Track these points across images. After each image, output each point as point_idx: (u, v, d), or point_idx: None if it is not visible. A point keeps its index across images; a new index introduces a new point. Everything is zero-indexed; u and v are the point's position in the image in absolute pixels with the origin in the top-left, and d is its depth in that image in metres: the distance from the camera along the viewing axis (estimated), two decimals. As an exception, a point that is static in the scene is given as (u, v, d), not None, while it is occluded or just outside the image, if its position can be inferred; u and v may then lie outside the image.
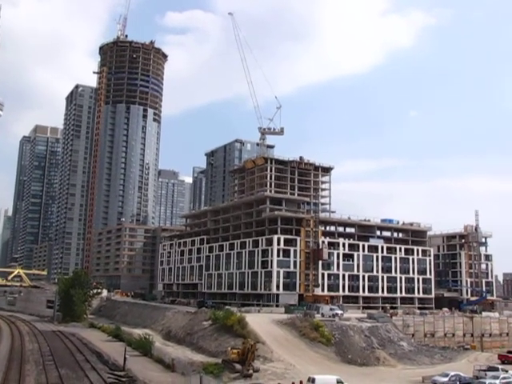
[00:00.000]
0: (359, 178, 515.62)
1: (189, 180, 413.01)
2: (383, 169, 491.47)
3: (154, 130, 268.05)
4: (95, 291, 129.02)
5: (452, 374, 61.03)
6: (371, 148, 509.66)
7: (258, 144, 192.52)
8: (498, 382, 57.99)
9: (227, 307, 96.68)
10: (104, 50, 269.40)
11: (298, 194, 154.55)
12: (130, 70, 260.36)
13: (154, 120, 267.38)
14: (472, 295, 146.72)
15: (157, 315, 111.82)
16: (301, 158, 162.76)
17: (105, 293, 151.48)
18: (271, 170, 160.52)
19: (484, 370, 65.51)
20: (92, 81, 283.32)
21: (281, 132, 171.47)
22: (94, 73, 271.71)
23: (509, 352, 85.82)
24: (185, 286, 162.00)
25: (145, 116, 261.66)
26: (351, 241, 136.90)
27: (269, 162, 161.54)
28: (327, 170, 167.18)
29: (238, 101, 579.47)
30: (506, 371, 65.87)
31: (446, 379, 59.55)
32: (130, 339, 76.22)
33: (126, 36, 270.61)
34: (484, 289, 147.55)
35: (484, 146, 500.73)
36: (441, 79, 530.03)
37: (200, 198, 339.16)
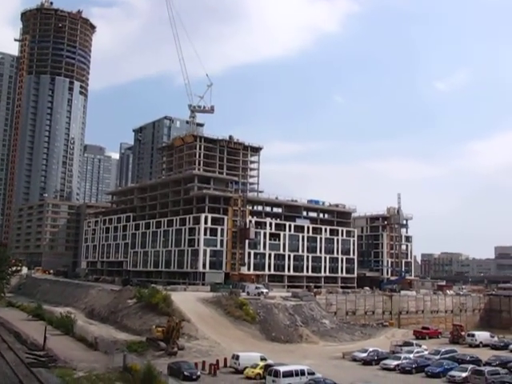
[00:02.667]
0: (287, 159, 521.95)
1: (116, 156, 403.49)
2: (310, 151, 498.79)
3: (81, 103, 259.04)
4: (14, 269, 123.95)
5: (371, 349, 63.54)
6: (299, 130, 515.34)
7: (187, 122, 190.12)
8: (412, 356, 61.03)
9: (153, 285, 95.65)
10: (26, 17, 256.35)
11: (227, 174, 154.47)
12: (55, 40, 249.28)
13: (81, 93, 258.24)
14: (392, 275, 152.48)
15: (80, 293, 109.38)
16: (230, 137, 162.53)
17: (25, 270, 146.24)
18: (200, 149, 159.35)
19: (400, 346, 68.72)
20: (13, 49, 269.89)
21: (211, 110, 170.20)
22: (16, 40, 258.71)
23: (423, 328, 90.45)
24: (109, 264, 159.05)
25: (71, 89, 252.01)
26: (278, 221, 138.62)
27: (198, 140, 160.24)
28: (256, 150, 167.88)
29: (168, 78, 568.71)
30: (420, 346, 69.62)
31: (364, 354, 61.90)
32: (51, 318, 74.02)
33: (51, 3, 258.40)
34: (403, 269, 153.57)
35: (403, 131, 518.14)
36: (363, 65, 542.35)
37: (127, 174, 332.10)
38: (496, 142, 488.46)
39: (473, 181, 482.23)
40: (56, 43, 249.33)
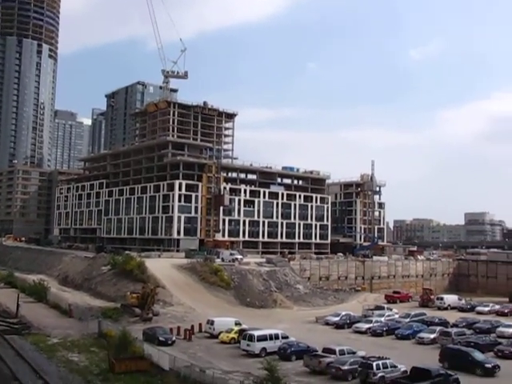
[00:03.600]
0: (262, 126, 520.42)
1: (88, 122, 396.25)
2: (286, 118, 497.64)
3: (50, 67, 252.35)
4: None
5: (343, 313, 64.71)
6: (274, 97, 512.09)
7: (161, 87, 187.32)
8: (383, 319, 62.40)
9: (127, 252, 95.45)
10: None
11: (201, 140, 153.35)
12: (21, 0, 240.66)
13: (50, 57, 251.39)
14: (365, 241, 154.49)
15: (53, 260, 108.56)
16: (205, 103, 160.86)
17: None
18: (174, 115, 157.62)
19: (371, 310, 70.14)
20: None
21: (185, 76, 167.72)
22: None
23: (394, 292, 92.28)
24: (83, 231, 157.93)
25: (39, 52, 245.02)
26: (252, 187, 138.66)
27: (172, 106, 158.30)
28: (231, 117, 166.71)
29: (140, 42, 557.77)
30: (391, 309, 71.15)
31: (337, 318, 63.02)
32: (24, 285, 73.62)
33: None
34: (376, 235, 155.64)
35: (378, 99, 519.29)
36: (338, 32, 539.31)
37: (99, 141, 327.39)
38: (466, 111, 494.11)
39: (444, 149, 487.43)
40: (22, 3, 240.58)
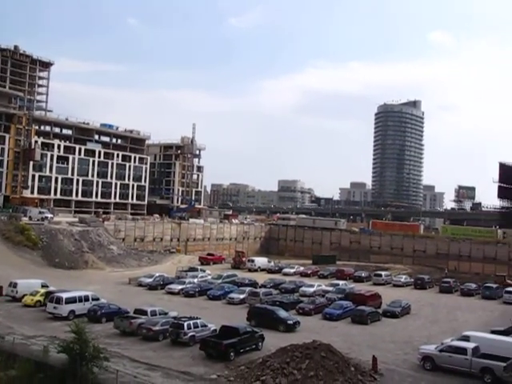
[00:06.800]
0: (82, 80, 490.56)
1: None
2: (106, 74, 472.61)
3: None
4: None
5: (157, 275, 64.83)
6: (91, 50, 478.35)
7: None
8: (196, 280, 63.81)
9: None
10: None
11: (10, 88, 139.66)
12: None
13: None
14: (182, 203, 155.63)
15: None
16: (16, 47, 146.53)
17: None
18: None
19: (185, 271, 71.27)
20: None
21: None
22: None
23: (208, 254, 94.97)
24: None
25: None
26: (67, 143, 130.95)
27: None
28: (46, 65, 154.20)
29: None
30: (204, 271, 73.08)
31: (150, 280, 62.93)
32: None
33: None
34: (193, 198, 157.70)
35: (199, 64, 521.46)
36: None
37: None
38: (282, 82, 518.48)
39: (262, 118, 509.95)
40: None
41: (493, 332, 39.66)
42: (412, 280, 76.07)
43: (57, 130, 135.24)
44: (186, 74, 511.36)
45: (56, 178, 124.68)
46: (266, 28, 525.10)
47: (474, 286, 70.44)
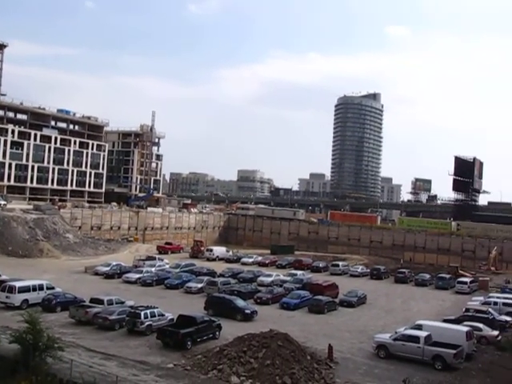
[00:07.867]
0: (38, 64, 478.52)
1: None
2: (60, 57, 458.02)
3: None
4: None
5: (114, 263, 64.11)
6: (51, 34, 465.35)
7: None
8: (153, 269, 63.33)
9: None
10: None
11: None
12: None
13: None
14: (140, 191, 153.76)
15: None
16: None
17: None
18: None
19: (143, 260, 70.67)
20: None
21: None
22: None
23: (166, 243, 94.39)
24: None
25: None
26: (22, 128, 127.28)
27: None
28: None
29: None
30: (162, 260, 72.65)
31: (107, 268, 62.21)
32: None
33: None
34: (152, 186, 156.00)
35: (160, 51, 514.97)
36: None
37: None
38: (243, 71, 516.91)
39: (222, 107, 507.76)
40: None
41: (445, 321, 40.83)
42: (368, 270, 77.44)
43: (11, 114, 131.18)
44: (147, 61, 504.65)
45: (10, 164, 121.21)
46: (226, 16, 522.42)
47: (427, 276, 72.15)
